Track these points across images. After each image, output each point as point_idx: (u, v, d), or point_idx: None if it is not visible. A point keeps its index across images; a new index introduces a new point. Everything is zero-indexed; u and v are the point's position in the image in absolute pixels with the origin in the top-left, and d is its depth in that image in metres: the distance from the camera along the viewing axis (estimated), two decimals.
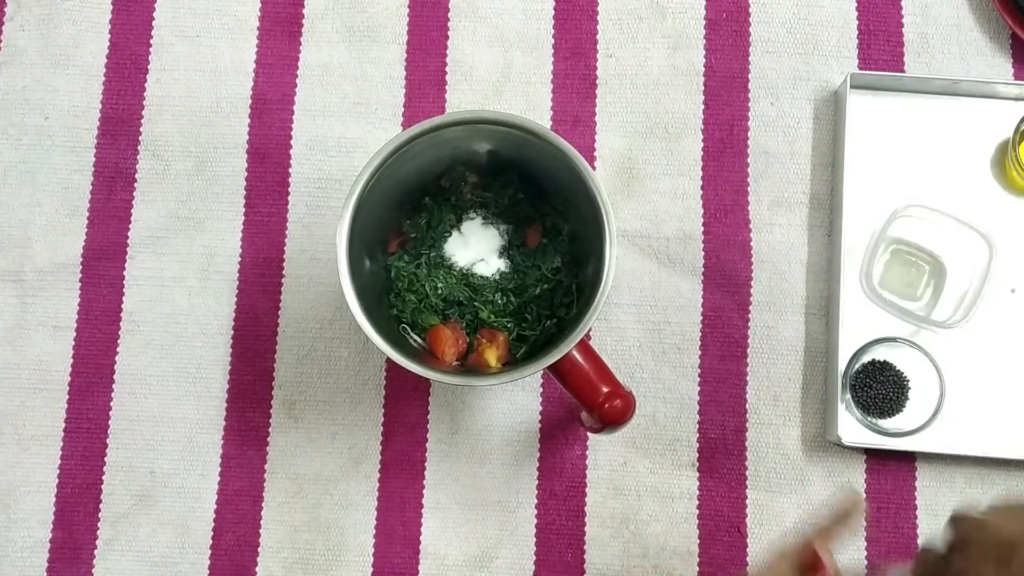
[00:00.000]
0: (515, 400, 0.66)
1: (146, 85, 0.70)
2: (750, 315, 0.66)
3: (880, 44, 0.70)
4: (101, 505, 0.65)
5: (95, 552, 0.65)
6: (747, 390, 0.66)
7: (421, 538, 0.65)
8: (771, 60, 0.70)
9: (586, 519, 0.65)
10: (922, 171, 0.67)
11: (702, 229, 0.67)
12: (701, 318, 0.67)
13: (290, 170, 0.69)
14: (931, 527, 0.64)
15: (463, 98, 0.70)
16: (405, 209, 0.60)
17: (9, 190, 0.69)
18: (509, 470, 0.65)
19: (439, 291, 0.60)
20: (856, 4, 0.70)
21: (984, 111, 0.67)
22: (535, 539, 0.65)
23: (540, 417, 0.66)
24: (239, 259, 0.68)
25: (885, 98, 0.68)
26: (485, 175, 0.61)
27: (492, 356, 0.58)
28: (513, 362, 0.58)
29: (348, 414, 0.66)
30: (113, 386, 0.67)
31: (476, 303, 0.60)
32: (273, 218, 0.68)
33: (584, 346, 0.53)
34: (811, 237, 0.67)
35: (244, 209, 0.69)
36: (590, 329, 0.55)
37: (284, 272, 0.68)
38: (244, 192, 0.69)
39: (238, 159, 0.69)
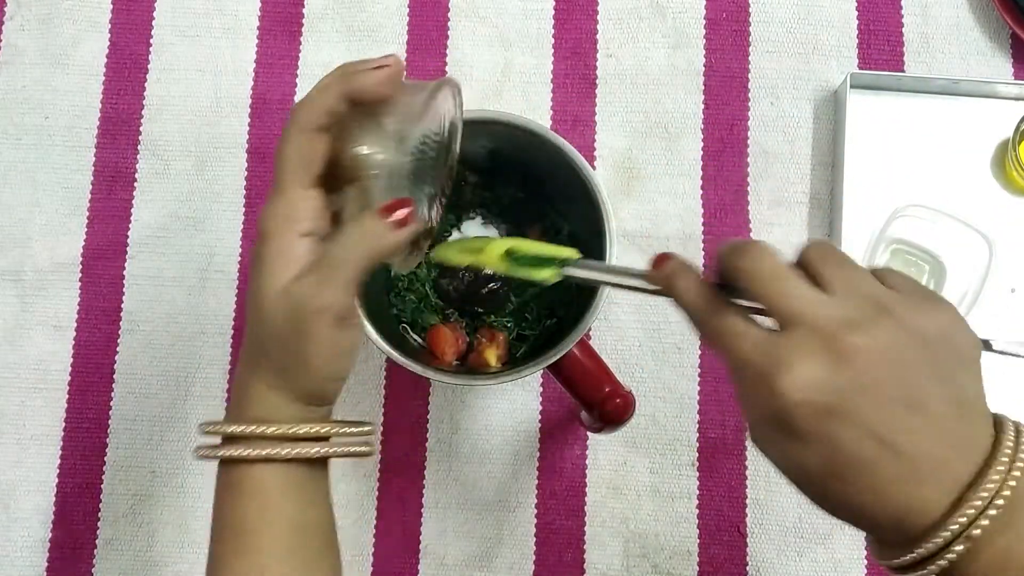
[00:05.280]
0: (515, 400, 0.66)
1: (146, 85, 0.70)
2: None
3: (880, 44, 0.70)
4: (101, 505, 0.65)
5: (95, 552, 0.65)
6: None
7: (421, 538, 0.65)
8: (771, 60, 0.70)
9: (586, 519, 0.65)
10: (922, 171, 0.67)
11: (702, 229, 0.67)
12: None
13: None
14: None
15: (463, 98, 0.69)
16: None
17: (9, 190, 0.69)
18: (509, 470, 0.65)
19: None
20: (856, 4, 0.70)
21: (984, 111, 0.67)
22: (535, 539, 0.65)
23: (540, 417, 0.66)
24: (239, 259, 0.68)
25: (885, 98, 0.68)
26: (485, 175, 0.61)
27: (492, 356, 0.58)
28: (513, 362, 0.58)
29: (348, 414, 0.66)
30: (113, 385, 0.67)
31: None
32: None
33: (584, 346, 0.53)
34: (811, 237, 0.67)
35: (244, 209, 0.69)
36: (590, 329, 0.55)
37: None
38: (244, 192, 0.69)
39: (238, 159, 0.69)
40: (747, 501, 0.65)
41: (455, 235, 0.62)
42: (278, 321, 0.38)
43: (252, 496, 0.40)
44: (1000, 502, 0.32)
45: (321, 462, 0.42)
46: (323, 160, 0.39)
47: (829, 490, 0.33)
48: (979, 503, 0.32)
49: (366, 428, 0.43)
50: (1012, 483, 0.32)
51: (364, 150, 0.38)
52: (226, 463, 0.41)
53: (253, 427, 0.40)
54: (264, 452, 0.39)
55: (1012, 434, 0.33)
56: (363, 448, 0.43)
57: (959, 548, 0.32)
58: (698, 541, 0.64)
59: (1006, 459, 0.32)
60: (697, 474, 0.65)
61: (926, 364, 0.33)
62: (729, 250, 0.36)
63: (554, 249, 0.43)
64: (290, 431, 0.40)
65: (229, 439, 0.41)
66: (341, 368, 0.40)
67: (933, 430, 0.32)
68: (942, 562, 0.32)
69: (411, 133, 0.38)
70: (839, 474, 0.33)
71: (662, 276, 0.38)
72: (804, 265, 0.35)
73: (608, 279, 0.41)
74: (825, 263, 0.35)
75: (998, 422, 0.34)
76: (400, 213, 0.38)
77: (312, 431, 0.40)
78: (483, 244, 0.46)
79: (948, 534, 0.32)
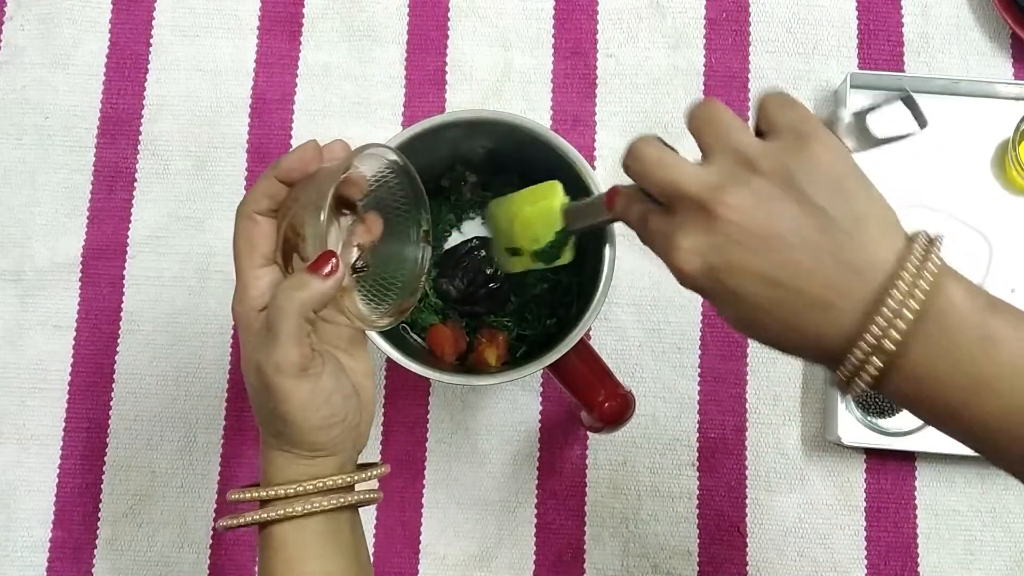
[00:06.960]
0: (515, 400, 0.66)
1: (146, 85, 0.70)
2: None
3: (880, 44, 0.70)
4: (101, 505, 0.65)
5: (95, 552, 0.65)
6: (747, 389, 0.66)
7: (421, 538, 0.65)
8: (771, 60, 0.70)
9: (586, 519, 0.65)
10: (922, 171, 0.67)
11: None
12: (701, 318, 0.67)
13: None
14: (931, 527, 0.64)
15: (463, 98, 0.70)
16: None
17: (9, 190, 0.69)
18: (509, 470, 0.65)
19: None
20: (856, 4, 0.70)
21: (984, 111, 0.67)
22: (535, 539, 0.65)
23: (540, 417, 0.66)
24: None
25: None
26: (485, 175, 0.61)
27: (492, 356, 0.58)
28: (513, 362, 0.58)
29: None
30: (113, 386, 0.67)
31: None
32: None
33: (584, 346, 0.53)
34: None
35: None
36: (590, 329, 0.55)
37: None
38: (244, 192, 0.69)
39: (238, 159, 0.69)
40: (747, 501, 0.65)
41: (455, 235, 0.62)
42: (254, 389, 0.42)
43: (275, 553, 0.42)
44: (908, 310, 0.33)
45: (340, 510, 0.44)
46: (268, 239, 0.43)
47: (757, 332, 0.36)
48: (882, 319, 0.33)
49: (377, 472, 0.45)
50: (919, 294, 0.33)
51: (294, 219, 0.42)
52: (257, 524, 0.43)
53: (261, 492, 0.42)
54: (273, 514, 0.41)
55: (920, 249, 0.34)
56: (371, 495, 0.45)
57: (876, 360, 0.33)
58: (698, 541, 0.64)
59: (908, 274, 0.33)
60: (697, 474, 0.65)
61: (795, 202, 0.35)
62: (625, 156, 0.39)
63: (541, 193, 0.50)
64: (292, 490, 0.42)
65: (262, 503, 0.43)
66: (323, 416, 0.41)
67: (818, 258, 0.34)
68: (865, 376, 0.34)
69: (327, 196, 0.40)
70: (753, 318, 0.36)
71: (618, 209, 0.42)
72: (694, 136, 0.38)
73: (594, 222, 0.47)
74: (704, 131, 0.37)
75: (911, 238, 0.35)
76: (325, 265, 0.41)
77: (319, 486, 0.42)
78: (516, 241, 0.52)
79: (860, 351, 0.34)
